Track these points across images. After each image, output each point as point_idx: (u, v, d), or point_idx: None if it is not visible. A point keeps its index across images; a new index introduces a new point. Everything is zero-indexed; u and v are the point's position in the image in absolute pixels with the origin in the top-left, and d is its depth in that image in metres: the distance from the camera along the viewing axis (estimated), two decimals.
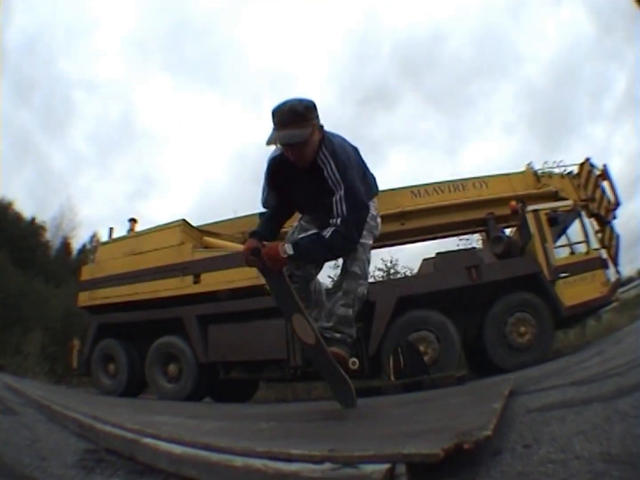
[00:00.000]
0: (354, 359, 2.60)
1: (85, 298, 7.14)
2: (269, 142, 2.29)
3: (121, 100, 59.63)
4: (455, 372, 5.36)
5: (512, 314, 5.66)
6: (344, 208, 2.28)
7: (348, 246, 2.41)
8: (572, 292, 5.71)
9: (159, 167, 57.44)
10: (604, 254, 6.42)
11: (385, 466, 1.00)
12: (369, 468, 1.00)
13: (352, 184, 2.34)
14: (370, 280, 10.83)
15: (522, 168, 7.32)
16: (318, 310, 2.75)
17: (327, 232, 2.30)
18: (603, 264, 6.07)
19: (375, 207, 2.68)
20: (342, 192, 2.30)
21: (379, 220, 2.71)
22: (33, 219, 25.35)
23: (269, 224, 2.66)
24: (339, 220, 2.29)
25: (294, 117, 2.24)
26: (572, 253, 6.21)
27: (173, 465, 1.41)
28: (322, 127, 2.38)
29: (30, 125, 44.35)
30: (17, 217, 23.71)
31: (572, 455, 1.09)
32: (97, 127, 48.85)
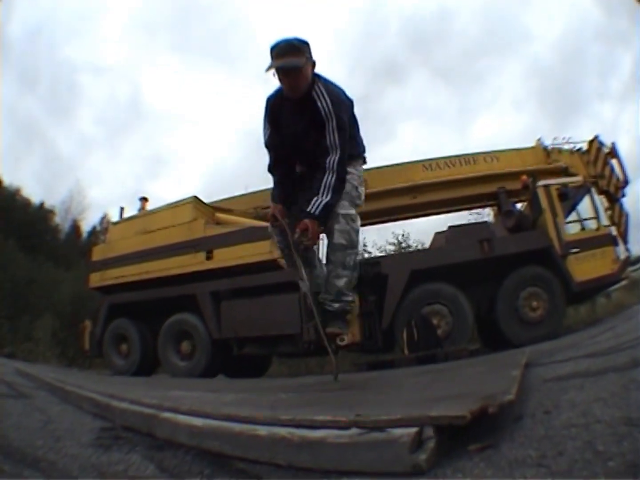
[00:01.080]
0: (343, 336, 2.66)
1: (96, 279, 7.15)
2: (268, 69, 2.48)
3: (128, 82, 58.95)
4: (468, 346, 5.38)
5: (524, 288, 5.66)
6: (337, 137, 2.52)
7: (344, 173, 2.57)
8: (583, 268, 5.70)
9: (168, 146, 57.13)
10: (613, 231, 6.41)
11: (414, 430, 0.99)
12: (397, 432, 1.00)
13: (342, 118, 2.54)
14: (382, 253, 10.94)
15: (532, 143, 7.29)
16: (309, 270, 2.83)
17: (328, 175, 2.52)
18: (613, 241, 6.06)
19: (359, 176, 2.76)
20: (334, 124, 2.51)
21: (361, 190, 2.76)
22: (42, 204, 25.58)
23: (283, 186, 2.83)
24: (332, 152, 2.53)
25: (290, 48, 2.47)
26: (583, 229, 6.19)
27: (194, 438, 1.38)
28: (314, 63, 2.58)
29: (36, 112, 44.66)
30: (26, 203, 23.81)
31: (594, 419, 1.09)
32: (104, 110, 49.23)
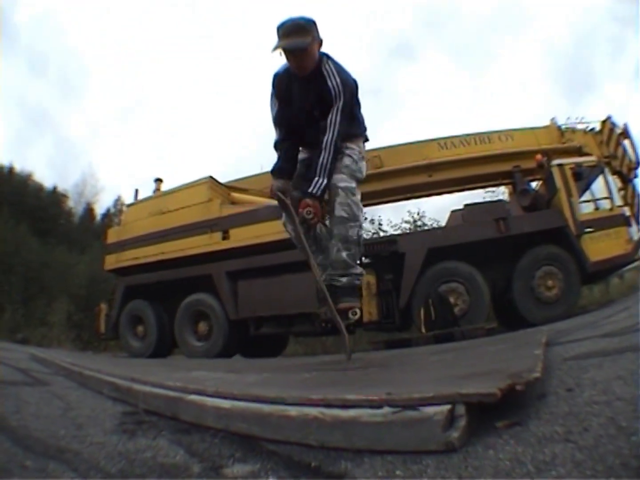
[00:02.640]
0: (355, 309, 2.69)
1: (112, 261, 7.17)
2: (274, 49, 2.52)
3: (141, 62, 59.27)
4: (485, 324, 5.39)
5: (540, 267, 5.65)
6: (338, 117, 2.58)
7: (336, 147, 2.62)
8: (597, 248, 5.69)
9: (182, 127, 57.15)
10: (626, 211, 6.40)
11: (446, 407, 1.00)
12: (431, 410, 1.00)
13: (347, 100, 2.62)
14: (398, 232, 10.96)
15: (546, 123, 7.25)
16: (324, 256, 2.85)
17: (324, 154, 2.58)
18: (626, 221, 6.04)
19: (359, 152, 2.80)
20: (340, 104, 2.58)
21: (362, 164, 2.81)
22: (54, 188, 25.82)
23: (287, 159, 2.84)
24: (329, 130, 2.58)
25: (296, 28, 2.51)
26: (597, 209, 6.18)
27: (221, 420, 1.35)
28: (321, 42, 2.63)
29: (46, 97, 44.83)
30: (38, 188, 23.95)
31: (614, 397, 1.12)
32: (116, 92, 49.00)
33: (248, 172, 7.57)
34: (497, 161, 6.77)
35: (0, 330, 9.77)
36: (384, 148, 6.91)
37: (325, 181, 2.55)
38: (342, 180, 2.62)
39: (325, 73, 2.59)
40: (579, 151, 6.87)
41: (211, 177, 6.63)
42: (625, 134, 7.00)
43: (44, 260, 12.79)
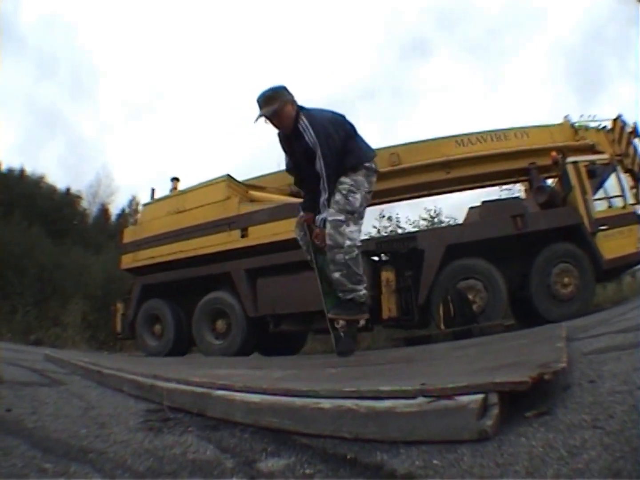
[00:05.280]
0: (339, 320, 3.42)
1: (128, 260, 7.18)
2: (255, 120, 3.17)
3: (155, 59, 59.31)
4: (503, 321, 5.41)
5: (556, 265, 5.65)
6: (322, 164, 3.08)
7: (330, 187, 3.18)
8: (611, 246, 5.71)
9: (197, 126, 57.10)
10: (638, 210, 6.41)
11: (480, 396, 1.02)
12: (465, 399, 1.02)
13: (325, 149, 3.08)
14: (415, 229, 11.02)
15: (559, 120, 7.28)
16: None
17: (322, 195, 3.18)
18: (638, 220, 6.06)
19: (351, 184, 3.24)
20: (319, 153, 3.07)
21: (352, 197, 3.23)
22: (68, 190, 25.76)
23: (309, 198, 3.45)
24: (321, 177, 3.14)
25: (266, 99, 3.14)
26: (610, 207, 6.20)
27: (250, 415, 1.34)
28: (294, 101, 3.20)
29: (57, 98, 44.90)
30: (52, 189, 23.99)
31: (635, 386, 1.18)
32: (130, 90, 49.03)
33: (265, 170, 7.60)
34: (514, 158, 6.78)
35: (14, 332, 9.80)
36: (401, 145, 6.97)
37: (324, 216, 3.19)
38: (331, 215, 3.15)
39: (301, 130, 3.13)
40: (592, 149, 6.89)
41: (229, 175, 6.63)
42: (635, 133, 7.02)
43: (58, 261, 12.80)
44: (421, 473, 0.88)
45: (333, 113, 3.36)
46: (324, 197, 3.16)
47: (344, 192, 3.18)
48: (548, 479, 0.79)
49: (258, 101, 3.15)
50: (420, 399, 1.07)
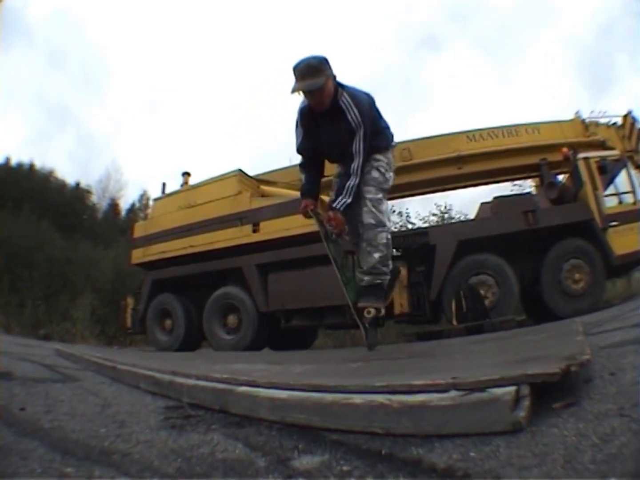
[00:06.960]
0: (370, 309, 3.03)
1: (139, 255, 7.21)
2: (292, 91, 2.80)
3: (166, 53, 59.17)
4: (516, 317, 5.42)
5: (567, 260, 5.65)
6: (362, 145, 2.87)
7: (362, 171, 2.96)
8: (622, 242, 5.69)
9: (208, 120, 57.04)
10: None
11: (513, 388, 1.03)
12: (498, 391, 1.02)
13: (367, 129, 2.87)
14: (426, 224, 11.07)
15: (570, 116, 7.26)
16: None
17: (352, 179, 2.91)
18: None
19: (387, 163, 3.10)
20: (361, 133, 2.85)
21: (389, 175, 3.10)
22: (77, 184, 25.86)
23: (313, 182, 3.21)
24: (356, 158, 2.90)
25: (310, 70, 2.76)
26: (620, 203, 6.18)
27: (276, 412, 1.30)
28: (335, 77, 2.88)
29: (66, 93, 44.86)
30: (61, 184, 24.02)
31: None
32: (141, 84, 48.93)
33: (276, 165, 7.61)
34: (525, 154, 6.76)
35: (23, 326, 9.83)
36: (413, 140, 6.95)
37: (349, 200, 2.92)
38: (369, 192, 2.97)
39: (343, 107, 2.87)
40: (602, 145, 6.86)
41: (240, 170, 6.64)
42: None
43: (67, 256, 12.84)
44: (461, 466, 0.88)
45: (365, 92, 3.10)
46: (353, 181, 2.89)
47: (382, 169, 3.03)
48: (585, 464, 0.81)
49: (299, 70, 2.78)
50: (453, 392, 1.08)
